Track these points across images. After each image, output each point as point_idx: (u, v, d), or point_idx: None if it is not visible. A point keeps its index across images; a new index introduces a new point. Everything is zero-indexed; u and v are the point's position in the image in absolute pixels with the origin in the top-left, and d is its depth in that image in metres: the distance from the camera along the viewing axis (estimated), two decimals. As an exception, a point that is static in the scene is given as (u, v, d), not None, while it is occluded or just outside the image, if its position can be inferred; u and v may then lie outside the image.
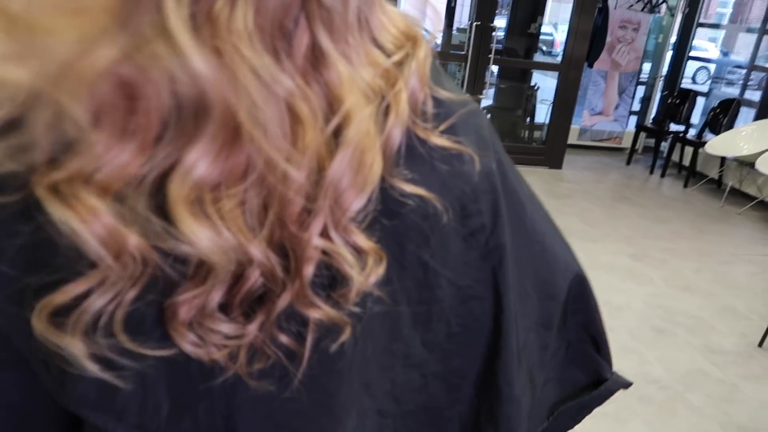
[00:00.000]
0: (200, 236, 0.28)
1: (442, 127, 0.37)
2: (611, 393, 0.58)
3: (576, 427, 0.60)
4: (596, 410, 0.59)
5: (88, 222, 0.26)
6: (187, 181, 0.27)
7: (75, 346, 0.28)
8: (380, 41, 0.34)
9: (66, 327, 0.28)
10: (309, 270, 0.31)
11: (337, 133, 0.31)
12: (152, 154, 0.27)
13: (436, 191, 0.36)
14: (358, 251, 0.33)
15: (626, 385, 0.59)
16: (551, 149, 5.36)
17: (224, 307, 0.31)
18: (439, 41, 5.63)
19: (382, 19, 0.34)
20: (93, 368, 0.29)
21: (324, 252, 0.32)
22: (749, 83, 5.97)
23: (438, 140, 0.36)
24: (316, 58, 0.30)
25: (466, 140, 0.38)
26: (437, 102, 0.37)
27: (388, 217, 0.35)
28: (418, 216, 0.36)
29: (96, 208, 0.26)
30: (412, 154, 0.35)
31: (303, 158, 0.29)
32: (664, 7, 5.85)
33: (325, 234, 0.31)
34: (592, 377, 0.57)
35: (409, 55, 0.34)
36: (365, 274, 0.33)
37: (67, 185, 0.26)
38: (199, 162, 0.27)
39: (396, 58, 0.34)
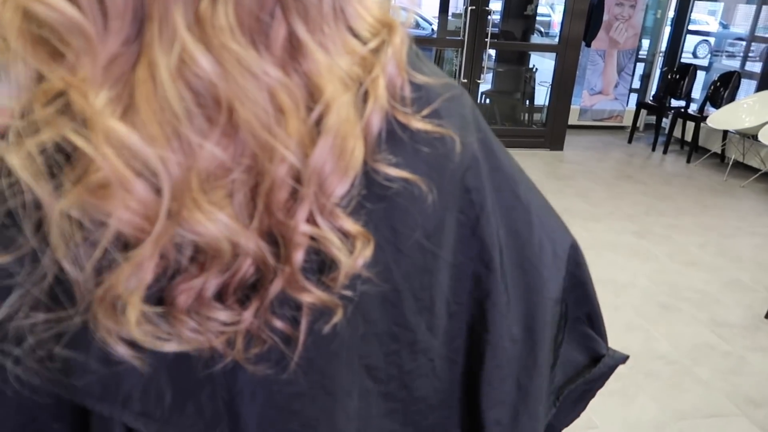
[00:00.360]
0: (206, 225, 0.29)
1: (425, 111, 0.38)
2: (610, 369, 0.58)
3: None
4: (603, 387, 0.59)
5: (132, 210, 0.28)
6: (193, 172, 0.28)
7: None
8: (356, 29, 0.34)
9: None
10: (298, 256, 0.32)
11: (318, 121, 0.31)
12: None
13: (422, 173, 0.37)
14: (346, 235, 0.34)
15: (623, 359, 0.59)
16: (552, 131, 5.34)
17: (219, 295, 0.32)
18: (435, 27, 5.58)
19: (358, 8, 0.35)
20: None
21: (312, 238, 0.33)
22: (750, 55, 5.92)
23: (419, 124, 0.37)
24: (293, 49, 0.31)
25: (448, 122, 0.39)
26: (416, 87, 0.37)
27: (374, 200, 0.36)
28: (405, 199, 0.37)
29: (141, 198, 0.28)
30: (393, 139, 0.36)
31: (290, 145, 0.30)
32: (660, -19, 5.79)
33: (311, 220, 0.32)
34: (591, 356, 0.57)
35: (386, 41, 0.35)
36: (353, 257, 0.34)
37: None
38: (206, 152, 0.28)
39: (372, 45, 0.35)
